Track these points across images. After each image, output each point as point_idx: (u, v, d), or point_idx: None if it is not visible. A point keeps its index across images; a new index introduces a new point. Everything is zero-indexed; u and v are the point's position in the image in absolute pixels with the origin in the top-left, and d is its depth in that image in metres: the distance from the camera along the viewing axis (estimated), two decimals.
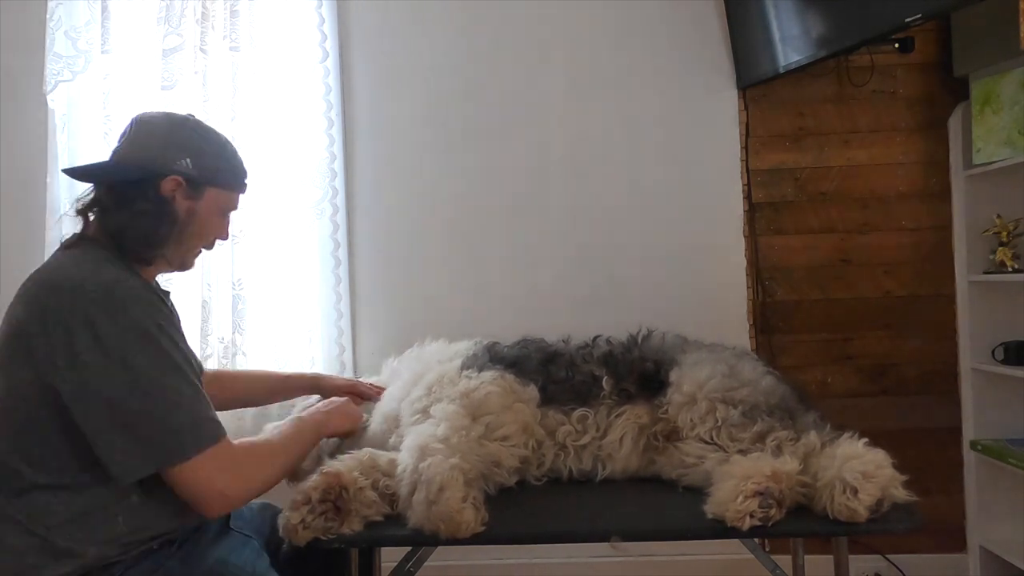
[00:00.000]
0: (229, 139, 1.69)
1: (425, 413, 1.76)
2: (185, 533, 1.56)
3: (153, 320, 1.42)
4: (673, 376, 1.85)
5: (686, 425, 1.76)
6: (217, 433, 1.45)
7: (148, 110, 1.68)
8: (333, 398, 1.89)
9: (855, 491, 1.46)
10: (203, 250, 1.70)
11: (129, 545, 1.45)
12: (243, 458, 1.49)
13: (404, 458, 1.59)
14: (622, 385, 1.88)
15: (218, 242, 1.70)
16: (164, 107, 2.70)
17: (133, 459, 1.39)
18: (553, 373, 1.90)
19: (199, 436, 1.42)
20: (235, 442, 1.50)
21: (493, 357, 1.92)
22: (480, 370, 1.85)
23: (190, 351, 1.55)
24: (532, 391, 1.85)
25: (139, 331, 1.40)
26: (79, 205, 1.60)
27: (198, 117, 1.67)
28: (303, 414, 1.79)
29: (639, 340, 2.01)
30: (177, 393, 1.41)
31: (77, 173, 1.64)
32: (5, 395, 1.44)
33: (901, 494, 1.51)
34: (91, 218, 1.59)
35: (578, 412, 1.84)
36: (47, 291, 1.45)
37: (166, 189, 1.55)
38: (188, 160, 1.55)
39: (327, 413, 1.79)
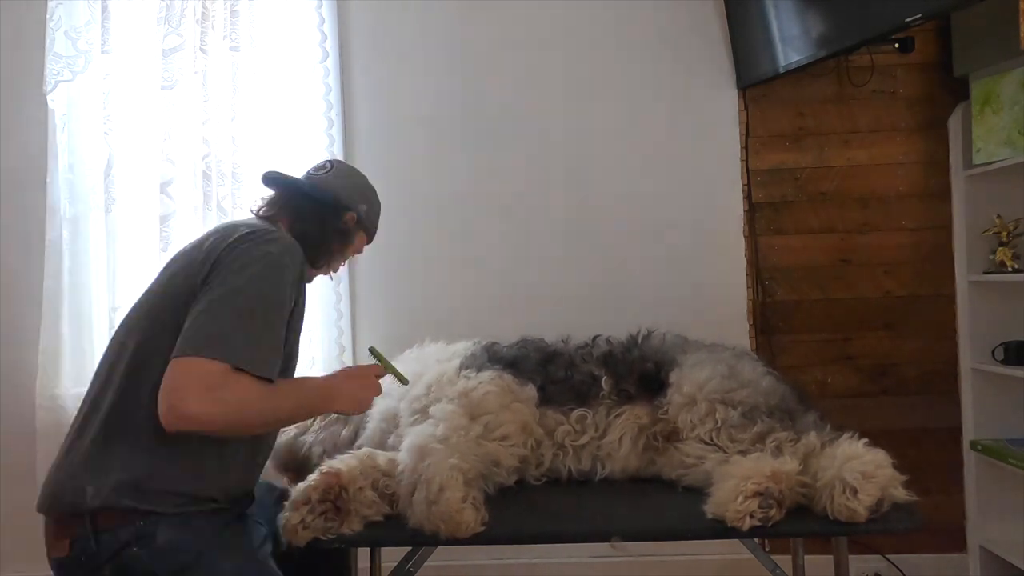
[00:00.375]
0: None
1: (424, 413, 1.76)
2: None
3: (291, 278, 1.63)
4: (673, 377, 1.85)
5: (686, 426, 1.76)
6: (243, 360, 1.50)
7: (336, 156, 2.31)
8: (351, 369, 1.81)
9: (855, 491, 1.46)
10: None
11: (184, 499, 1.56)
12: (232, 388, 1.49)
13: (403, 458, 1.59)
14: (622, 385, 1.88)
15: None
16: (164, 107, 2.73)
17: (204, 341, 1.50)
18: (552, 373, 1.90)
19: (238, 351, 1.50)
20: (245, 373, 1.51)
21: (492, 357, 1.92)
22: (479, 370, 1.86)
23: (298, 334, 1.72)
24: (530, 391, 1.85)
25: (281, 275, 1.61)
26: (263, 202, 1.95)
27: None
28: (317, 377, 1.77)
29: (639, 340, 2.01)
30: (260, 318, 1.55)
31: (281, 181, 1.98)
32: (159, 298, 1.66)
33: (901, 494, 1.51)
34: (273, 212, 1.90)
35: (577, 412, 1.84)
36: (243, 227, 1.70)
37: (347, 219, 1.95)
38: (364, 206, 1.99)
39: (338, 389, 1.69)
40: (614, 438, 1.83)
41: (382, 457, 1.66)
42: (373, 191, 2.07)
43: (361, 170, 2.92)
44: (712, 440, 1.71)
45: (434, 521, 1.48)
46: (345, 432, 2.01)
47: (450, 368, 1.90)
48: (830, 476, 1.51)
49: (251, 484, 1.74)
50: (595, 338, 2.04)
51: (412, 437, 1.63)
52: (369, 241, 2.08)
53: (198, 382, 1.46)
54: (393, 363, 1.84)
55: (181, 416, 1.45)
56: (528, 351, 1.97)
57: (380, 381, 1.77)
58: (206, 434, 1.51)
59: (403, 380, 1.82)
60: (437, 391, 1.82)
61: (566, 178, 2.85)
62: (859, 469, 1.49)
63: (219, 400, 1.47)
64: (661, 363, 1.91)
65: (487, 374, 1.84)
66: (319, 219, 1.90)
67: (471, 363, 1.90)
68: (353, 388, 1.71)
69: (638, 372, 1.91)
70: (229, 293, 1.55)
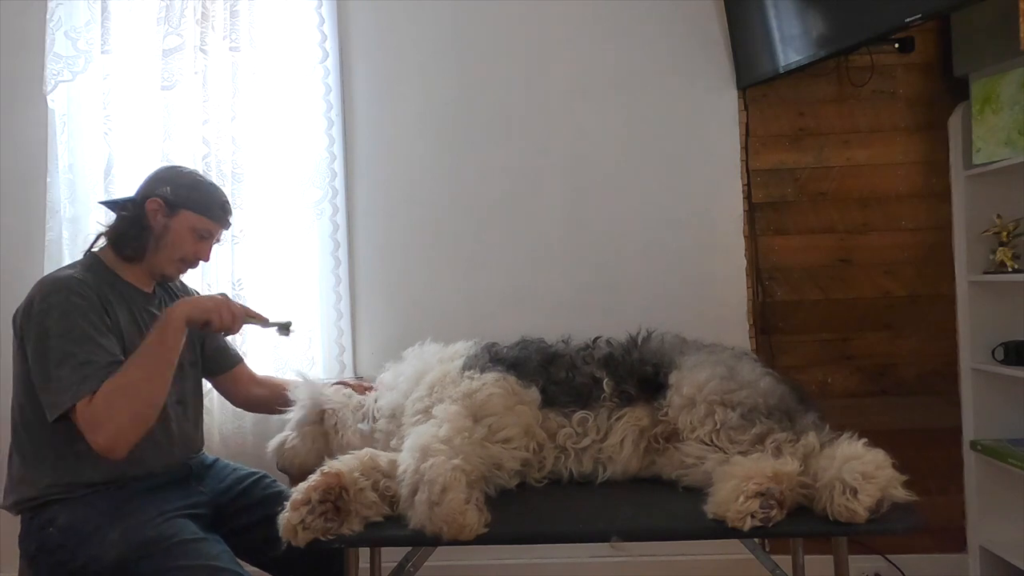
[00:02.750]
0: (212, 182, 2.18)
1: (427, 413, 1.76)
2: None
3: (71, 302, 1.82)
4: (672, 378, 1.85)
5: (686, 427, 1.76)
6: (80, 393, 1.75)
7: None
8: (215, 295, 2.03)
9: (855, 492, 1.46)
10: (187, 268, 2.12)
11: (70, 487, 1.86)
12: (102, 410, 1.75)
13: (406, 458, 1.59)
14: (622, 387, 1.88)
15: (202, 263, 2.15)
16: (164, 107, 2.74)
17: (51, 404, 1.79)
18: (553, 375, 1.90)
19: (85, 387, 1.76)
20: (99, 390, 1.76)
21: (493, 358, 1.92)
22: (482, 371, 1.85)
23: (126, 346, 1.90)
24: (534, 393, 1.85)
25: (59, 310, 1.82)
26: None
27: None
28: (162, 314, 1.93)
29: (639, 342, 2.00)
30: (77, 352, 1.78)
31: (110, 205, 2.15)
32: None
33: (901, 494, 1.51)
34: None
35: (579, 415, 1.84)
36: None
37: (149, 208, 2.03)
38: (168, 188, 2.05)
39: (172, 312, 1.88)
40: (615, 441, 1.83)
41: (383, 458, 1.66)
42: (181, 172, 2.13)
43: (361, 170, 2.94)
44: (712, 441, 1.71)
45: (436, 522, 1.48)
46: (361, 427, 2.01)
47: (453, 368, 1.90)
48: (830, 476, 1.51)
49: (148, 463, 1.94)
50: (595, 340, 2.03)
51: (415, 437, 1.63)
52: (211, 217, 2.09)
53: (84, 427, 1.75)
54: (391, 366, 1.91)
55: (103, 450, 1.75)
56: (529, 352, 1.97)
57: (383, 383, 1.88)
58: (133, 442, 1.78)
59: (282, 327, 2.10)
60: (440, 391, 1.82)
61: (566, 178, 2.85)
62: (859, 469, 1.48)
63: (104, 425, 1.74)
64: (660, 365, 1.91)
65: (491, 376, 1.84)
66: (126, 220, 2.03)
67: (474, 364, 1.90)
68: (198, 300, 1.97)
69: (638, 374, 1.90)
70: (36, 352, 1.81)
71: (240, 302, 2.09)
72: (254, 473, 2.16)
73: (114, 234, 2.03)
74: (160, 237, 2.02)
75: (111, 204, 2.15)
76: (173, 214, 2.03)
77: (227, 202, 2.14)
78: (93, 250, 2.06)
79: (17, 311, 1.89)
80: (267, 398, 2.28)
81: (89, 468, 1.86)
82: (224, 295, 2.05)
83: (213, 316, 1.93)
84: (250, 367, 2.39)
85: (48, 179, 2.75)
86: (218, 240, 2.16)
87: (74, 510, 1.84)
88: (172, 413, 2.00)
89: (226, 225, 2.15)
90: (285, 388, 2.18)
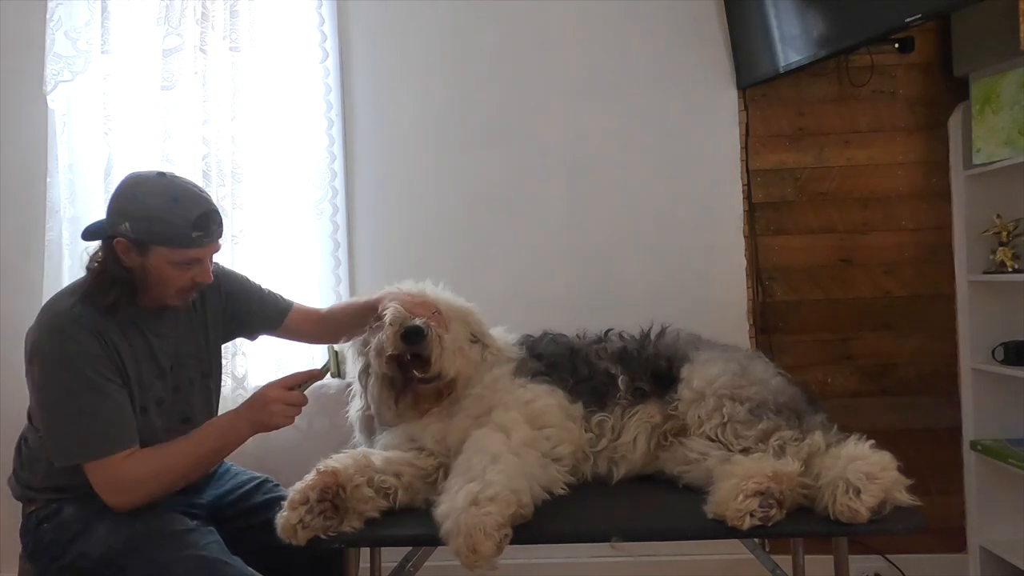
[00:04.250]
0: (176, 197, 1.82)
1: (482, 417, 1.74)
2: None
3: (66, 353, 1.78)
4: (684, 372, 1.84)
5: (694, 422, 1.75)
6: (102, 451, 1.76)
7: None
8: (254, 397, 1.85)
9: (858, 491, 1.46)
10: (192, 293, 1.94)
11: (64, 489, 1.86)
12: (125, 475, 1.77)
13: (472, 457, 1.56)
14: (636, 384, 1.86)
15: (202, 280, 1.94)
16: (164, 107, 2.73)
17: (53, 453, 1.81)
18: (579, 371, 1.89)
19: (89, 449, 1.77)
20: (134, 454, 1.79)
21: (532, 354, 1.93)
22: (532, 377, 1.84)
23: (129, 375, 1.85)
24: (578, 409, 1.82)
25: (55, 361, 1.79)
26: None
27: (168, 174, 1.89)
28: (221, 417, 1.89)
29: (653, 337, 2.00)
30: (78, 411, 1.76)
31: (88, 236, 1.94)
32: None
33: (904, 498, 1.50)
34: None
35: (597, 416, 1.81)
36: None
37: (119, 250, 1.83)
38: (127, 224, 1.80)
39: (241, 420, 1.83)
40: (628, 439, 1.81)
41: (377, 456, 1.66)
42: (136, 198, 1.81)
43: (361, 170, 2.92)
44: (717, 437, 1.70)
45: (461, 522, 1.45)
46: None
47: (503, 373, 1.87)
48: (833, 475, 1.50)
49: None
50: (607, 332, 2.02)
51: (484, 440, 1.61)
52: (185, 246, 1.81)
53: (100, 486, 1.78)
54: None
55: (114, 506, 1.79)
56: (561, 349, 1.95)
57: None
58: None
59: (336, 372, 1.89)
60: (491, 396, 1.79)
61: (566, 178, 2.85)
62: (863, 470, 1.48)
63: (127, 493, 1.78)
64: (674, 359, 1.90)
65: (543, 387, 1.81)
66: (100, 273, 1.84)
67: (523, 370, 1.87)
68: (257, 416, 1.82)
69: (652, 369, 1.90)
70: (38, 396, 1.85)
71: (287, 372, 1.91)
72: (256, 478, 2.13)
73: (89, 286, 1.85)
74: (144, 277, 1.84)
75: (89, 235, 1.92)
76: (145, 253, 1.81)
77: (203, 215, 1.82)
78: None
79: (28, 333, 1.86)
80: (340, 326, 2.09)
81: (84, 477, 1.82)
82: (272, 386, 1.85)
83: (278, 421, 1.82)
84: (306, 306, 2.27)
85: (48, 179, 2.75)
86: (213, 255, 1.92)
87: (67, 508, 1.86)
88: (175, 434, 1.89)
89: (207, 242, 1.85)
90: (360, 306, 2.09)
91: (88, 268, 1.88)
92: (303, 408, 1.85)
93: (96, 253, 1.88)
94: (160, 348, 1.92)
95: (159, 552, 1.75)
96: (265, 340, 2.73)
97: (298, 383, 1.85)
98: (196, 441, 1.83)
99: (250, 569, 1.81)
